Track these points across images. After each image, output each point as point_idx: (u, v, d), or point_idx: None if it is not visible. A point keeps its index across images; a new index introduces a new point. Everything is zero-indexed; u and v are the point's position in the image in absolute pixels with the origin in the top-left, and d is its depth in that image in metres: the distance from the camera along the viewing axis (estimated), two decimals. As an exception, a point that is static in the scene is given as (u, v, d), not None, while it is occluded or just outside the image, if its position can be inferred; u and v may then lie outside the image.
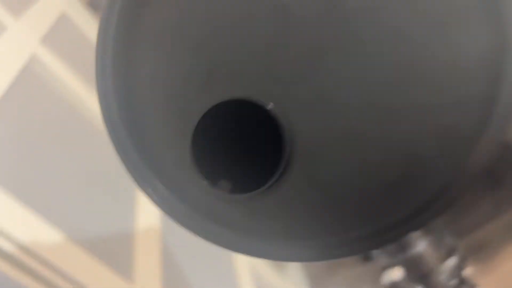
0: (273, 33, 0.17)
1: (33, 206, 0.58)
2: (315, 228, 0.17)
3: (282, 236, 0.17)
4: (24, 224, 0.55)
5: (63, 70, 0.94)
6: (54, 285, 0.55)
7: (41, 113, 0.78)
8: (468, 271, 0.43)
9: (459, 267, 0.42)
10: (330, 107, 0.17)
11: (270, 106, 0.17)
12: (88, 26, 1.35)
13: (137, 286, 0.71)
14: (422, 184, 0.16)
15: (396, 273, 0.44)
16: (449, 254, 0.42)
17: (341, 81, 0.17)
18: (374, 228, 0.17)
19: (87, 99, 0.96)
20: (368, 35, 0.16)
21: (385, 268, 0.45)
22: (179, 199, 0.17)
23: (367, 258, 0.47)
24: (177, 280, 0.86)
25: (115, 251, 0.72)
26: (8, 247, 0.51)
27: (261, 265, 1.14)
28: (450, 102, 0.16)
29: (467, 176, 0.16)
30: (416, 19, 0.16)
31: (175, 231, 0.96)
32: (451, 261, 0.42)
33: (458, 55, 0.16)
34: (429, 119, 0.16)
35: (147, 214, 0.88)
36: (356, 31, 0.16)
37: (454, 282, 0.42)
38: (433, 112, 0.16)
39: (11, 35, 0.83)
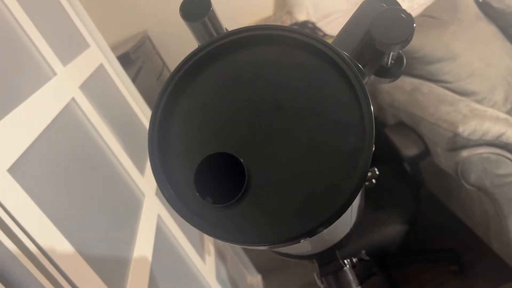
0: (247, 122, 0.32)
1: (55, 220, 0.71)
2: (258, 225, 0.31)
3: (238, 229, 0.31)
4: (46, 232, 0.68)
5: (94, 113, 1.10)
6: (58, 284, 0.66)
7: (73, 146, 0.93)
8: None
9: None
10: (271, 162, 0.31)
11: (241, 159, 0.32)
12: (119, 76, 1.54)
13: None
14: (316, 204, 0.30)
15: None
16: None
17: (278, 150, 0.31)
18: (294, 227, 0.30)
19: (110, 140, 1.11)
20: (294, 130, 0.31)
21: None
22: (182, 201, 0.31)
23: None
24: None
25: (112, 270, 0.83)
26: (30, 246, 0.64)
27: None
28: (331, 169, 0.30)
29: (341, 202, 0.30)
30: (319, 128, 0.31)
31: (161, 265, 1.07)
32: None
33: (338, 148, 0.31)
34: (318, 176, 0.30)
35: (142, 247, 1.00)
36: (287, 126, 0.32)
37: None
38: (320, 171, 0.30)
39: (59, 80, 1.00)
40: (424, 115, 1.26)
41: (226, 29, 0.44)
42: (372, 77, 0.42)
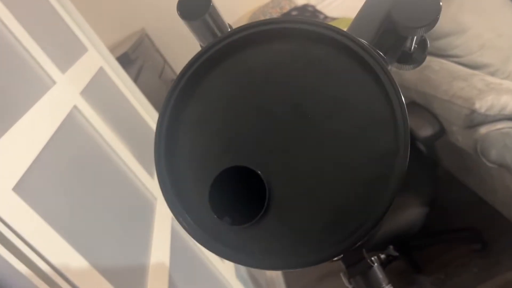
0: (263, 128, 0.29)
1: (67, 236, 0.69)
2: (284, 246, 0.27)
3: (263, 252, 0.28)
4: (58, 249, 0.66)
5: (97, 119, 1.07)
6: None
7: (78, 156, 0.90)
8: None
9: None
10: (293, 173, 0.28)
11: (259, 173, 0.28)
12: (120, 78, 1.51)
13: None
14: (349, 218, 0.27)
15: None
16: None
17: (300, 158, 0.28)
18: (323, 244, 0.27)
19: (116, 145, 1.09)
20: (316, 135, 0.28)
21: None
22: (199, 226, 0.28)
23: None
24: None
25: (130, 281, 0.81)
26: (43, 266, 0.61)
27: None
28: (361, 177, 0.27)
29: (375, 215, 0.26)
30: (345, 130, 0.27)
31: (180, 268, 1.05)
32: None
33: (369, 152, 0.27)
34: (347, 186, 0.27)
35: (159, 251, 0.98)
36: (309, 130, 0.28)
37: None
38: (349, 180, 0.27)
39: (59, 88, 0.97)
40: (437, 93, 1.21)
41: (230, 25, 0.40)
42: (395, 64, 0.38)
